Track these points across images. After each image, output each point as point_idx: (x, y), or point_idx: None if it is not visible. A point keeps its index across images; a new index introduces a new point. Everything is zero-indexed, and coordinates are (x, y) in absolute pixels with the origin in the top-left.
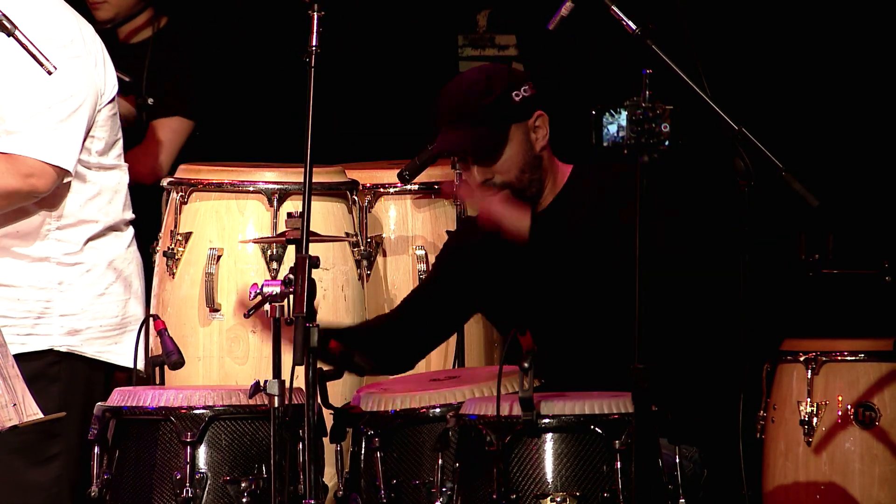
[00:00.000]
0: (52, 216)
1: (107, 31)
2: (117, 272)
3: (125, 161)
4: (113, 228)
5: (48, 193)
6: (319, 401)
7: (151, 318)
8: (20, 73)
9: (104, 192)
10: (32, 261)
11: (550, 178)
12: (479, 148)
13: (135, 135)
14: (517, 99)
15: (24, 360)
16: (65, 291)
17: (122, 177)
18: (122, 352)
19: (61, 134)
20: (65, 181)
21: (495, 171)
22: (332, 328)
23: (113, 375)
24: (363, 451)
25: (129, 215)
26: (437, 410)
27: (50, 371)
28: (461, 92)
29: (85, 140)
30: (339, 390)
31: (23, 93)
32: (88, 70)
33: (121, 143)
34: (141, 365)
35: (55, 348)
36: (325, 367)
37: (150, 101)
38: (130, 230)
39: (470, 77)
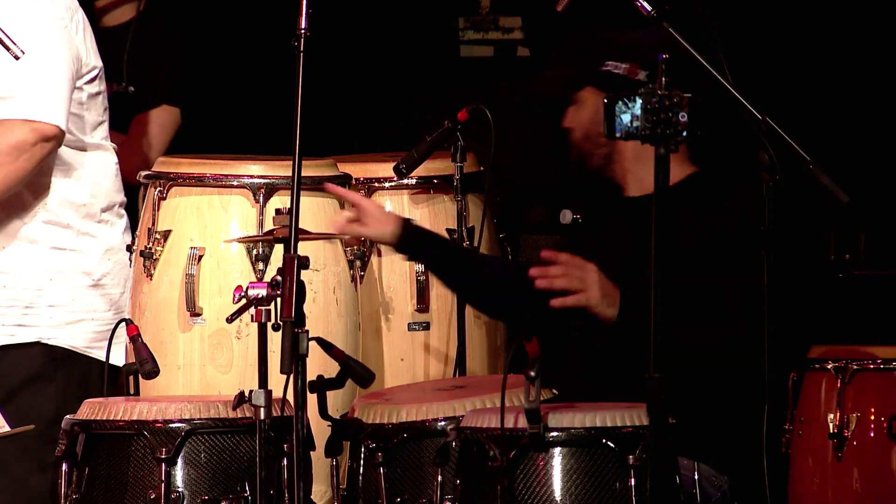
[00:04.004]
0: (41, 197)
1: (86, 12)
2: (111, 261)
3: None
4: (107, 209)
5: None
6: (318, 412)
7: (124, 323)
8: None
9: (96, 172)
10: (21, 245)
11: (637, 168)
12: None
13: (118, 128)
14: (605, 70)
15: (15, 355)
16: (56, 280)
17: (111, 157)
18: (116, 349)
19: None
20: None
21: (575, 122)
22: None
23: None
24: (363, 467)
25: (123, 198)
26: (444, 423)
27: (46, 370)
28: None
29: (70, 102)
30: (333, 401)
31: None
32: (64, 32)
33: (106, 124)
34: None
35: (43, 341)
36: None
37: (131, 89)
38: (125, 218)
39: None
